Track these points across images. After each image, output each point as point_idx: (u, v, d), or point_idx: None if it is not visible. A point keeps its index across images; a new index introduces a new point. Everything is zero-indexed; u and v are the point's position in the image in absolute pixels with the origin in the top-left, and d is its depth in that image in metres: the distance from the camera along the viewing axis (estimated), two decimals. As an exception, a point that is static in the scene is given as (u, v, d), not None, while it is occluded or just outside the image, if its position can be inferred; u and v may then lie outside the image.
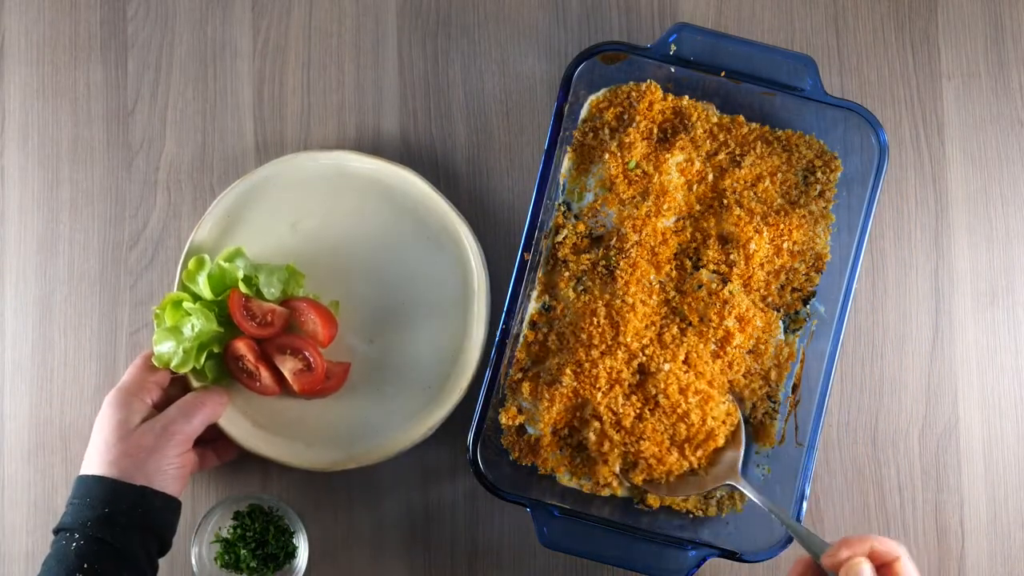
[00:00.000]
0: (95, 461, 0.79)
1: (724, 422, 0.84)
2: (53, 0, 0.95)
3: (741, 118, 0.88)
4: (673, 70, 0.86)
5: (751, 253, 0.84)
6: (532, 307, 0.87)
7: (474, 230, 0.89)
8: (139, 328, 0.93)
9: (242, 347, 0.85)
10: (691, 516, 0.85)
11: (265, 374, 0.86)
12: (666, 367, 0.82)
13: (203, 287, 0.84)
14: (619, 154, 0.86)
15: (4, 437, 0.93)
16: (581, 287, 0.86)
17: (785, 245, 0.86)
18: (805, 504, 0.81)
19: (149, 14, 0.94)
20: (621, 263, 0.84)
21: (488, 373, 0.83)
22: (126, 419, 0.80)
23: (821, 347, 0.84)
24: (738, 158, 0.87)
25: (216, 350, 0.85)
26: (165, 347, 0.83)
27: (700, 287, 0.85)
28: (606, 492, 0.85)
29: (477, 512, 0.91)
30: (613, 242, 0.85)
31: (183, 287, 0.86)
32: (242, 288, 0.85)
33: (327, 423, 0.88)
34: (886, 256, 0.92)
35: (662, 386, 0.82)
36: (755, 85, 0.85)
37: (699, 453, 0.83)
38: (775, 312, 0.86)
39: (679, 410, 0.82)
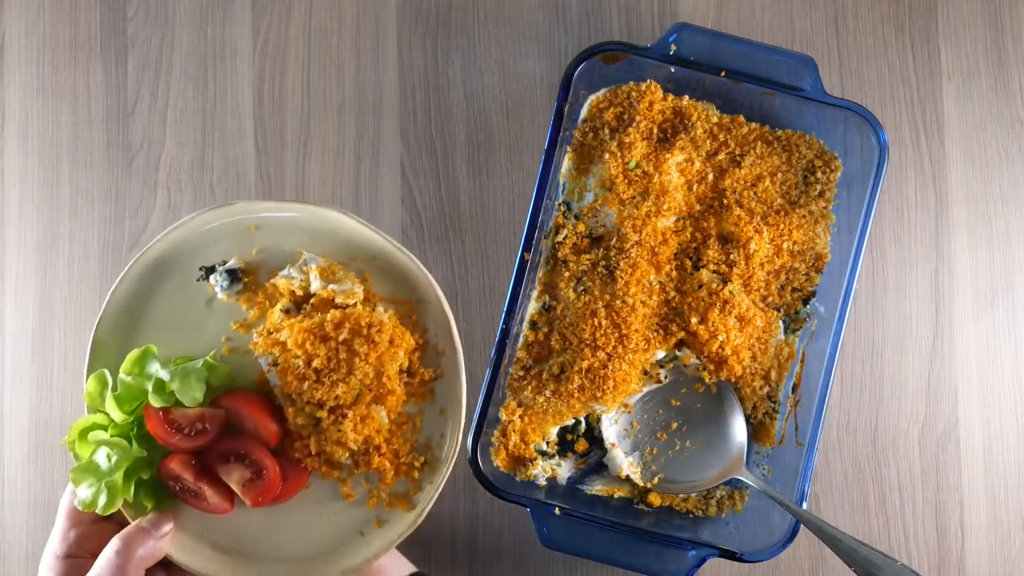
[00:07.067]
0: None
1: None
2: (53, 0, 0.95)
3: (741, 118, 0.88)
4: (673, 70, 0.86)
5: (751, 253, 0.84)
6: (532, 307, 0.87)
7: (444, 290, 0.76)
8: (139, 328, 0.93)
9: (175, 467, 0.71)
10: (691, 516, 0.85)
11: (210, 492, 0.71)
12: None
13: (112, 409, 0.71)
14: (619, 154, 0.86)
15: (4, 437, 0.93)
16: (581, 287, 0.86)
17: (785, 245, 0.86)
18: (805, 504, 0.81)
19: (149, 14, 0.94)
20: (621, 263, 0.84)
21: (488, 372, 0.83)
22: None
23: (821, 347, 0.84)
24: (738, 158, 0.87)
25: (146, 476, 0.71)
26: (86, 489, 0.69)
27: (700, 287, 0.85)
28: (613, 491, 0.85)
29: (477, 512, 0.91)
30: (613, 242, 0.85)
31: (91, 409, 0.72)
32: (154, 402, 0.71)
33: (299, 531, 0.75)
34: (886, 256, 0.92)
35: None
36: (755, 85, 0.85)
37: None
38: (775, 312, 0.86)
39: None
